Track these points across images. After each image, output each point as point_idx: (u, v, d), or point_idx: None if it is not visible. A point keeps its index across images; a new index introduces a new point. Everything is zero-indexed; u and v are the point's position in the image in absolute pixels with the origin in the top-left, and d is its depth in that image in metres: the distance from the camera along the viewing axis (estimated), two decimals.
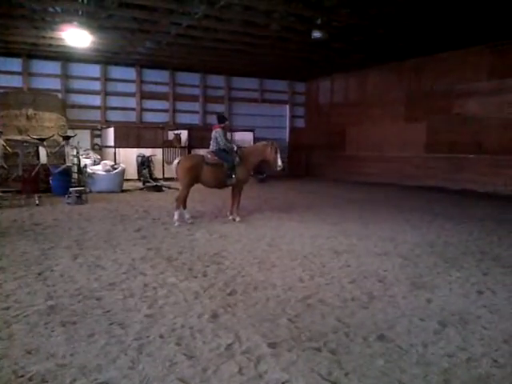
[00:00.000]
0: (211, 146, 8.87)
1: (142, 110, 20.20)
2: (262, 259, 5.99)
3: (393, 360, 3.22)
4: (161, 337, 3.56)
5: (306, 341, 3.51)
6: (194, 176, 8.55)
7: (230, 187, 9.09)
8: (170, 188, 14.33)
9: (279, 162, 9.00)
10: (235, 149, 8.94)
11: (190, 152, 18.02)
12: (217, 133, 8.78)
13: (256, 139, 19.75)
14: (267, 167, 9.71)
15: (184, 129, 19.14)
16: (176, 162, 8.75)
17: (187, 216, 8.69)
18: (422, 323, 3.88)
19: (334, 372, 3.05)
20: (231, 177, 8.75)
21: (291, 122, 23.86)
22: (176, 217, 8.47)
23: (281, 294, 4.60)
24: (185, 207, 8.76)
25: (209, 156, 8.74)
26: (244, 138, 19.41)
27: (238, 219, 8.87)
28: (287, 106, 23.69)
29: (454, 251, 6.58)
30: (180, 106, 21.04)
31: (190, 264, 5.73)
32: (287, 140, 23.54)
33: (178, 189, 14.00)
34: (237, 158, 8.80)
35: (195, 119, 21.35)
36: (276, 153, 9.00)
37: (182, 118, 21.02)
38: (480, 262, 5.94)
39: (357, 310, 4.20)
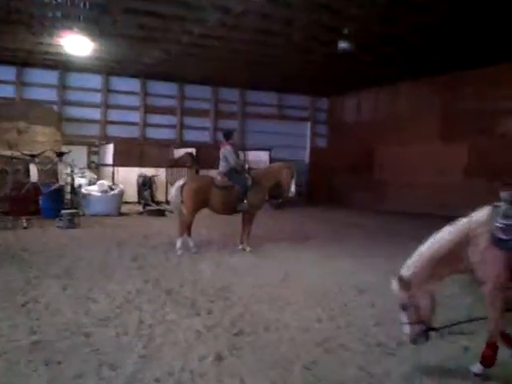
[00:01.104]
0: (221, 167, 8.90)
1: (146, 125, 20.44)
2: (274, 296, 5.95)
3: None
4: (156, 381, 3.54)
5: None
6: (201, 200, 8.58)
7: (241, 213, 9.09)
8: (173, 212, 14.34)
9: (292, 189, 9.08)
10: (247, 167, 8.98)
11: (197, 173, 18.05)
12: (226, 150, 8.81)
13: (272, 160, 19.78)
14: (280, 192, 9.70)
15: (192, 147, 19.22)
16: (180, 183, 8.78)
17: (191, 244, 8.69)
18: (458, 373, 3.79)
19: None
20: (243, 201, 8.76)
21: (312, 141, 23.91)
22: (179, 245, 8.49)
23: (295, 336, 4.55)
24: (189, 234, 8.78)
25: (218, 178, 8.78)
26: (259, 157, 19.47)
27: (248, 249, 8.86)
28: (308, 124, 23.78)
29: None
30: (188, 121, 21.24)
31: (192, 299, 5.71)
32: (307, 161, 23.56)
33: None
34: (249, 180, 8.81)
35: (205, 136, 21.51)
36: (292, 177, 9.05)
37: (191, 135, 21.19)
38: None
39: (382, 357, 4.14)
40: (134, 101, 20.21)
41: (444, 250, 3.78)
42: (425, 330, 3.73)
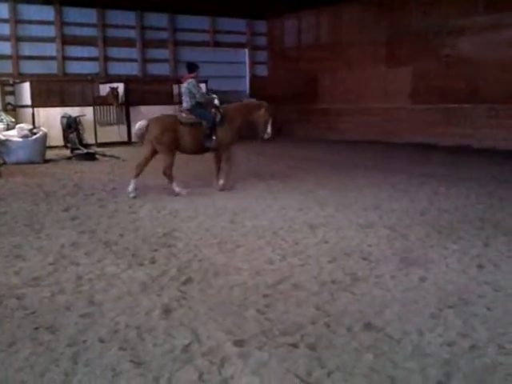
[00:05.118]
0: (184, 103, 8.89)
1: (65, 58, 19.43)
2: (222, 238, 5.97)
3: (383, 353, 3.26)
4: (101, 341, 3.49)
5: (280, 335, 3.51)
6: (172, 139, 8.47)
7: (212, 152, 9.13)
8: (105, 156, 14.00)
9: (269, 129, 9.09)
10: (216, 102, 8.82)
11: (128, 111, 17.64)
12: (189, 84, 8.73)
13: (209, 91, 19.44)
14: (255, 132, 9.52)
15: (119, 81, 18.56)
16: (143, 124, 8.50)
17: (131, 187, 8.43)
18: (415, 307, 3.95)
19: (315, 371, 3.06)
20: (211, 138, 8.68)
21: (251, 70, 23.65)
22: (132, 187, 8.40)
23: (247, 280, 4.59)
24: (172, 180, 8.63)
25: (183, 115, 8.69)
26: None
27: (220, 183, 8.94)
28: (246, 50, 23.43)
29: (448, 219, 6.74)
30: (112, 52, 20.37)
31: (133, 249, 5.65)
32: (247, 92, 23.34)
33: (116, 157, 13.78)
34: (218, 115, 8.72)
35: (133, 69, 20.80)
36: (270, 117, 9.06)
37: (116, 68, 20.41)
38: (480, 231, 6.10)
39: (338, 294, 4.23)
40: (49, 31, 19.02)
41: None
42: None
